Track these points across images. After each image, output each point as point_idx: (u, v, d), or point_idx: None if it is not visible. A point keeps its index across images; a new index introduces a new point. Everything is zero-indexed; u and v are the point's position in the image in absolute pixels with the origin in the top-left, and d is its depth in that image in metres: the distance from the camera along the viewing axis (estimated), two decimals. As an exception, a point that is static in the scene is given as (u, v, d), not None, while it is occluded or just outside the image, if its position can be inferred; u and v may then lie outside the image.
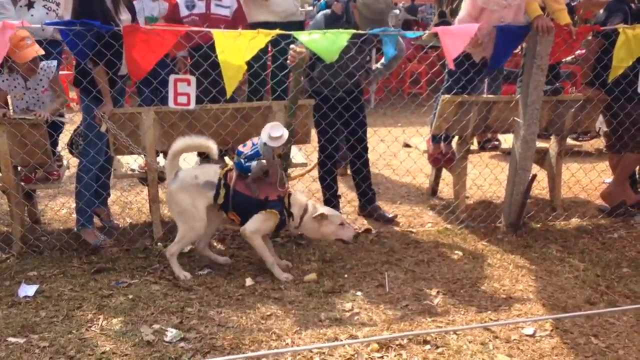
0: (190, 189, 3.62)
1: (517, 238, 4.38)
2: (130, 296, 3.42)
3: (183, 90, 3.92)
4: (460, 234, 4.47)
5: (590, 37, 4.80)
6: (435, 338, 3.05)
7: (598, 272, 3.84)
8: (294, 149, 4.55)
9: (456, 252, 4.15)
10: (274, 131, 3.57)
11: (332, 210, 3.87)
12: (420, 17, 15.21)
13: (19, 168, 4.10)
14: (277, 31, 3.82)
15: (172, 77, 3.95)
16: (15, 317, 3.21)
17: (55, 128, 4.20)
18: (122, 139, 3.95)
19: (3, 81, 4.10)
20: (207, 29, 3.92)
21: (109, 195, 4.58)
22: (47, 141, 3.94)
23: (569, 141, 5.24)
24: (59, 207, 4.94)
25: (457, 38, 3.98)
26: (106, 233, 4.25)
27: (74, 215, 4.24)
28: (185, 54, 5.03)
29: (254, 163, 3.61)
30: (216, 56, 3.77)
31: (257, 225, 3.64)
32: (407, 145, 5.62)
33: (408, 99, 8.12)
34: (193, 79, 3.94)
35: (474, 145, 5.09)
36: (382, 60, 4.57)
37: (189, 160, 4.57)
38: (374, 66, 4.80)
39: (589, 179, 5.30)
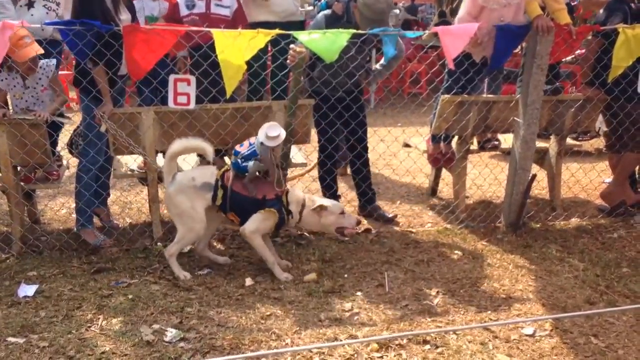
0: (188, 191, 3.62)
1: (516, 238, 4.38)
2: (130, 296, 3.42)
3: (183, 90, 3.92)
4: (460, 234, 4.47)
5: (590, 37, 4.80)
6: (435, 338, 3.04)
7: (598, 272, 3.84)
8: (294, 149, 4.55)
9: (456, 252, 4.15)
10: (271, 131, 3.56)
11: (330, 200, 3.87)
12: (420, 17, 15.20)
13: (18, 168, 4.10)
14: (277, 31, 3.82)
15: (172, 77, 3.95)
16: (14, 317, 3.21)
17: (55, 128, 4.20)
18: (122, 139, 3.94)
19: (2, 80, 4.09)
20: (207, 29, 3.92)
21: (108, 195, 4.58)
22: (47, 141, 3.94)
23: (569, 141, 5.24)
24: (58, 207, 4.94)
25: (457, 38, 3.98)
26: (106, 233, 4.24)
27: (74, 215, 4.24)
28: (185, 53, 5.03)
29: (250, 163, 3.60)
30: (216, 56, 3.77)
31: (256, 224, 3.64)
32: (407, 145, 5.62)
33: (408, 98, 8.12)
34: (193, 79, 3.94)
35: (474, 145, 5.09)
36: (382, 61, 4.57)
37: (189, 160, 4.57)
38: (374, 66, 4.80)
39: (588, 178, 5.30)
